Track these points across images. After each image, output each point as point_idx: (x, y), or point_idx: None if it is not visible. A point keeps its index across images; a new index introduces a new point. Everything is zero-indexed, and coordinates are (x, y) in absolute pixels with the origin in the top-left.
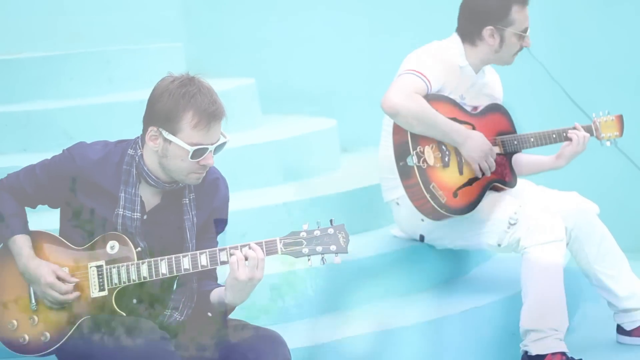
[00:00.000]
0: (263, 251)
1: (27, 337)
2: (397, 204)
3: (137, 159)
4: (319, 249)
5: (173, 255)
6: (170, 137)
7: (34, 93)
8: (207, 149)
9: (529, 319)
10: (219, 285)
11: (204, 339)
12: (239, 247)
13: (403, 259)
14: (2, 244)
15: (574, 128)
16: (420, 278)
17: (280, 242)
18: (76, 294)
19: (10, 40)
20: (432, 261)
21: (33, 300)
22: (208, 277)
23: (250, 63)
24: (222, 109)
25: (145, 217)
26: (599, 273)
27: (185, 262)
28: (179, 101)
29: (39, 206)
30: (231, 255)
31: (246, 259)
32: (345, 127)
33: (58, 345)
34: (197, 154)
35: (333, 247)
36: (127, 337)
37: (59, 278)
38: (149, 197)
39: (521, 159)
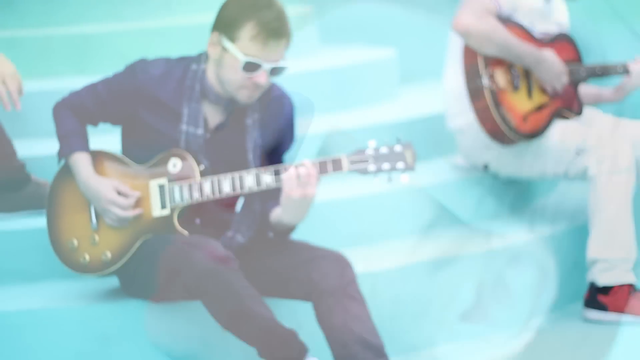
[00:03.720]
0: (329, 167)
1: (87, 257)
2: (462, 131)
3: (199, 74)
4: (386, 166)
5: (237, 173)
6: (227, 44)
7: (91, 15)
8: (260, 65)
9: (596, 248)
10: (277, 205)
11: (267, 261)
12: (295, 166)
13: (466, 188)
14: (62, 162)
15: (635, 61)
16: (483, 208)
17: (347, 158)
18: (138, 210)
19: None
20: (495, 190)
21: (94, 219)
22: (272, 198)
23: None
24: (287, 30)
25: (208, 135)
26: None
27: (250, 180)
28: (244, 9)
29: (101, 126)
30: (282, 173)
31: (298, 176)
32: (406, 57)
33: (119, 264)
34: (249, 67)
35: (400, 165)
36: (190, 256)
37: (120, 193)
38: (212, 116)
39: (582, 90)
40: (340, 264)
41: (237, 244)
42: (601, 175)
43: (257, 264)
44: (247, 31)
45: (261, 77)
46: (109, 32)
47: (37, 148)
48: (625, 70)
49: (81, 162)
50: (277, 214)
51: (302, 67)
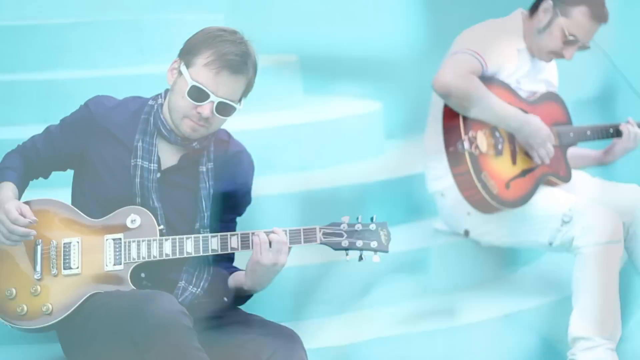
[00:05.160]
0: (302, 237)
1: (25, 307)
2: (442, 195)
3: (155, 108)
4: (359, 243)
5: (201, 235)
6: (182, 68)
7: (60, 61)
8: (207, 94)
9: (579, 325)
10: (238, 269)
11: (218, 331)
12: (264, 232)
13: (445, 255)
14: None
15: (628, 122)
16: (462, 276)
17: (320, 231)
18: (31, 231)
19: (38, 6)
20: (476, 258)
21: (38, 269)
22: (223, 257)
23: (293, 39)
24: (245, 69)
25: (159, 175)
26: None
27: (214, 243)
28: (208, 38)
29: (52, 184)
30: (254, 237)
31: (270, 242)
32: (391, 111)
33: (60, 318)
34: (194, 92)
35: (374, 244)
36: (142, 308)
37: (20, 214)
38: (165, 155)
39: (569, 151)
40: (290, 341)
41: (192, 296)
42: (587, 247)
43: (206, 333)
44: (203, 58)
45: (205, 109)
46: (77, 78)
47: None
48: (617, 132)
49: (5, 187)
50: (239, 279)
51: (285, 120)
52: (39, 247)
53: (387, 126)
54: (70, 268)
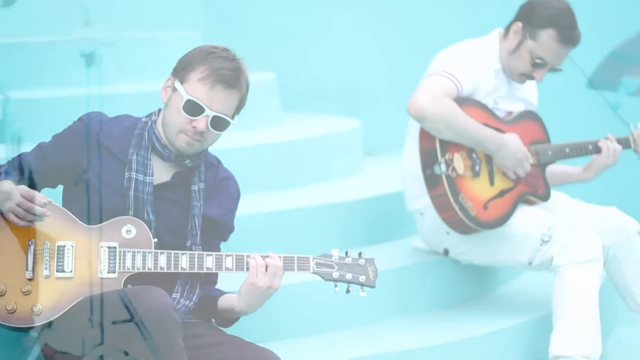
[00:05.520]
0: (295, 265)
1: (15, 305)
2: (421, 214)
3: (149, 124)
4: (349, 276)
5: (196, 252)
6: (176, 84)
7: (36, 80)
8: (202, 108)
9: (559, 343)
10: (224, 292)
11: (198, 350)
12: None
13: (424, 274)
14: None
15: (607, 138)
16: (441, 295)
17: (313, 260)
18: (47, 212)
19: (15, 24)
20: (455, 277)
21: (30, 268)
22: (207, 280)
23: (271, 57)
24: (239, 84)
25: (151, 189)
26: (637, 295)
27: (209, 261)
28: (202, 55)
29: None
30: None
31: (267, 266)
32: (370, 128)
33: (49, 319)
34: (190, 107)
35: (362, 278)
36: (132, 300)
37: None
38: (158, 172)
39: (548, 169)
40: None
41: (184, 308)
42: (567, 266)
43: (187, 352)
44: (197, 73)
45: (200, 123)
46: (54, 97)
47: None
48: (596, 149)
49: (4, 182)
50: (229, 301)
51: (263, 138)
52: (31, 247)
53: (366, 144)
54: (64, 271)
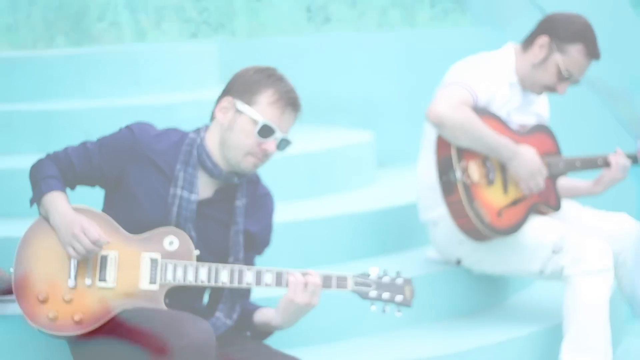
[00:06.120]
0: (334, 283)
1: (55, 313)
2: (435, 224)
3: (198, 141)
4: (386, 295)
5: (237, 266)
6: (244, 107)
7: (56, 92)
8: (274, 131)
9: (570, 353)
10: (259, 306)
11: (232, 349)
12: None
13: (437, 283)
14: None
15: (615, 153)
16: (454, 304)
17: (352, 279)
18: (106, 243)
19: (35, 37)
20: (468, 287)
21: (72, 276)
22: (242, 294)
23: (285, 69)
24: (300, 103)
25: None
26: None
27: (249, 276)
28: (262, 78)
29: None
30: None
31: (306, 284)
32: (384, 140)
33: (88, 329)
34: (264, 131)
35: (399, 298)
36: (181, 326)
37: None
38: (203, 187)
39: (559, 182)
40: None
41: (225, 328)
42: (577, 276)
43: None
44: (266, 97)
45: (271, 145)
46: (74, 109)
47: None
48: (606, 163)
49: (58, 198)
50: (267, 315)
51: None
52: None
53: (379, 155)
54: (106, 281)
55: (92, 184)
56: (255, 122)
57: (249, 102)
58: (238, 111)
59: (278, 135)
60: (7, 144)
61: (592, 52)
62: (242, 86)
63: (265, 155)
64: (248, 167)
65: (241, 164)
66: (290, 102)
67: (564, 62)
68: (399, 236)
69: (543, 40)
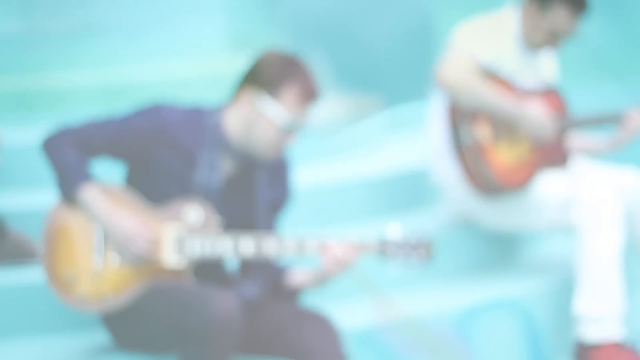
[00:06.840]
0: (358, 247)
1: (86, 290)
2: (446, 183)
3: (217, 122)
4: (405, 252)
5: (262, 235)
6: (267, 100)
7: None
8: (299, 124)
9: (583, 303)
10: (288, 269)
11: (254, 318)
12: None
13: (447, 240)
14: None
15: (628, 113)
16: (465, 260)
17: (373, 240)
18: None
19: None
20: (479, 243)
21: (99, 254)
22: (269, 261)
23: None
24: (319, 92)
25: (218, 186)
26: None
27: (272, 245)
28: (286, 69)
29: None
30: (322, 248)
31: (336, 259)
32: (393, 105)
33: (119, 304)
34: (289, 127)
35: (418, 254)
36: (206, 302)
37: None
38: (223, 166)
39: (569, 140)
40: (324, 324)
41: (253, 296)
42: (589, 227)
43: (244, 321)
44: (292, 93)
45: (294, 136)
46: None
47: (15, 201)
48: (618, 120)
49: (95, 195)
50: (300, 280)
51: None
52: (101, 232)
53: (391, 120)
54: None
55: (113, 158)
56: (280, 118)
57: (274, 95)
58: (260, 104)
59: (301, 127)
60: (23, 116)
61: (573, 8)
62: (265, 77)
63: (287, 146)
64: (269, 156)
65: (266, 153)
66: (313, 95)
67: (552, 19)
68: (411, 196)
69: None
